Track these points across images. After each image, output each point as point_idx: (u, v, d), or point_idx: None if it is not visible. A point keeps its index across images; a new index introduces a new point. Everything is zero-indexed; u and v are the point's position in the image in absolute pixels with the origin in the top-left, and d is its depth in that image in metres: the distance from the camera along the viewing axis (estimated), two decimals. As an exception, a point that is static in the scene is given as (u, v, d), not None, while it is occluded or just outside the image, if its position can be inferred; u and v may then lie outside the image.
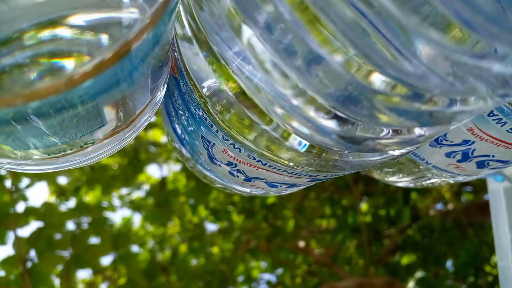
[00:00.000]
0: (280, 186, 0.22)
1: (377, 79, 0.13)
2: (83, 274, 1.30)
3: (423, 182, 0.29)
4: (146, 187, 1.55)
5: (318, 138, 0.15)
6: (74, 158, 0.16)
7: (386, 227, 1.52)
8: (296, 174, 0.19)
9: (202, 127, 0.19)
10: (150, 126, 1.25)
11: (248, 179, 0.21)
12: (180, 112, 0.20)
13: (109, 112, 0.13)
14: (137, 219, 1.59)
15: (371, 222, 1.52)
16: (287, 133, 0.16)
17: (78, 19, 0.13)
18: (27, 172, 0.17)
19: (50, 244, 0.98)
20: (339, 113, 0.14)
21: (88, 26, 0.14)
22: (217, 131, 0.18)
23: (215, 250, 1.58)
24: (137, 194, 1.54)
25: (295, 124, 0.15)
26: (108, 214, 1.37)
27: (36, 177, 1.01)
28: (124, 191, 1.50)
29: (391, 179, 0.30)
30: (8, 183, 0.95)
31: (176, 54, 0.17)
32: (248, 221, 1.55)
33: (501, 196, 0.39)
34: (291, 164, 0.18)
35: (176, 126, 0.22)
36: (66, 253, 0.99)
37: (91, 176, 1.31)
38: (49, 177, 1.15)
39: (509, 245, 0.38)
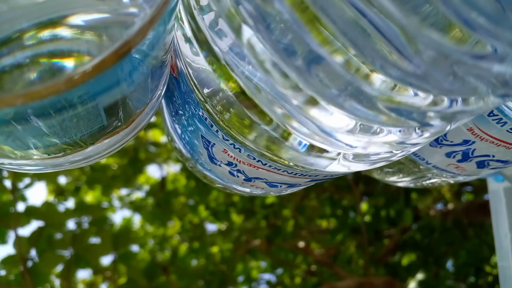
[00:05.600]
0: (280, 186, 0.22)
1: (377, 79, 0.13)
2: (84, 275, 1.30)
3: (423, 182, 0.29)
4: (146, 187, 1.55)
5: (318, 138, 0.15)
6: (74, 158, 0.16)
7: (386, 227, 1.52)
8: (296, 174, 0.19)
9: (202, 127, 0.19)
10: (150, 126, 1.25)
11: (248, 179, 0.21)
12: (180, 112, 0.20)
13: (109, 112, 0.13)
14: (137, 219, 1.60)
15: (371, 222, 1.52)
16: (287, 133, 0.16)
17: (78, 19, 0.13)
18: (27, 172, 0.17)
19: (50, 243, 0.98)
20: (339, 113, 0.14)
21: (88, 26, 0.14)
22: (217, 131, 0.18)
23: (215, 250, 1.58)
24: (137, 195, 1.54)
25: (295, 124, 0.15)
26: (108, 214, 1.38)
27: (36, 177, 1.01)
28: (124, 192, 1.50)
29: (391, 179, 0.30)
30: (8, 183, 0.95)
31: (176, 54, 0.17)
32: (248, 221, 1.55)
33: (501, 196, 0.39)
34: (291, 164, 0.18)
35: (176, 126, 0.22)
36: (67, 253, 1.00)
37: (91, 176, 1.31)
38: (49, 177, 1.15)
39: (509, 245, 0.38)
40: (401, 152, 0.17)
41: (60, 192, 1.31)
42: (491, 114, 0.19)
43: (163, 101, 0.23)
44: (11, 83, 0.13)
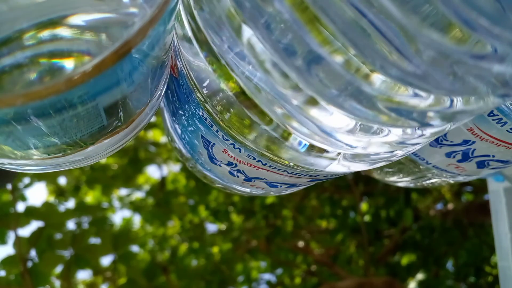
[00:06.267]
0: (280, 186, 0.22)
1: (377, 79, 0.13)
2: (84, 275, 1.30)
3: (423, 182, 0.29)
4: (146, 187, 1.55)
5: (318, 138, 0.15)
6: (74, 158, 0.16)
7: (386, 227, 1.52)
8: (296, 174, 0.19)
9: (202, 127, 0.19)
10: (150, 126, 1.25)
11: (248, 179, 0.21)
12: (180, 112, 0.20)
13: (109, 112, 0.13)
14: (137, 219, 1.60)
15: (371, 222, 1.52)
16: (287, 133, 0.16)
17: (78, 19, 0.13)
18: (27, 172, 0.17)
19: (50, 243, 0.98)
20: (339, 113, 0.14)
21: (88, 26, 0.14)
22: (217, 131, 0.18)
23: (215, 250, 1.58)
24: (137, 195, 1.54)
25: (295, 124, 0.15)
26: (108, 214, 1.38)
27: (36, 177, 1.01)
28: (124, 192, 1.51)
29: (391, 179, 0.30)
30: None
31: (176, 54, 0.17)
32: (248, 221, 1.55)
33: (501, 196, 0.39)
34: (291, 164, 0.18)
35: (176, 126, 0.22)
36: (67, 253, 1.00)
37: (91, 176, 1.31)
38: (49, 177, 1.15)
39: (509, 245, 0.38)
40: (401, 152, 0.17)
41: (60, 192, 1.31)
42: (491, 114, 0.19)
43: (163, 101, 0.23)
44: (11, 83, 0.13)
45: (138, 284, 1.16)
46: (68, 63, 0.14)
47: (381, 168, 0.29)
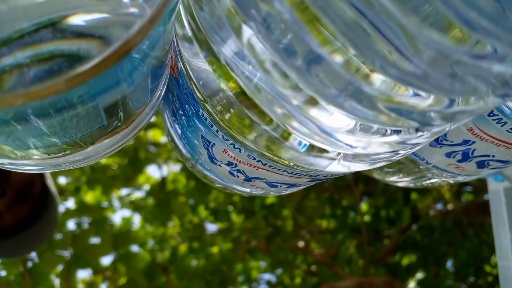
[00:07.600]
0: (280, 186, 0.22)
1: (377, 79, 0.13)
2: (83, 275, 1.30)
3: (423, 182, 0.29)
4: (146, 187, 1.55)
5: (318, 138, 0.15)
6: (74, 158, 0.16)
7: (386, 227, 1.52)
8: (296, 174, 0.19)
9: (202, 127, 0.19)
10: (150, 126, 1.25)
11: (248, 179, 0.21)
12: (180, 112, 0.20)
13: (109, 112, 0.13)
14: (137, 219, 1.60)
15: (371, 222, 1.52)
16: (287, 133, 0.16)
17: (78, 19, 0.13)
18: (27, 172, 0.17)
19: (50, 244, 0.98)
20: (339, 113, 0.14)
21: (88, 26, 0.14)
22: (217, 131, 0.18)
23: (215, 250, 1.58)
24: (137, 195, 1.54)
25: (295, 124, 0.15)
26: (108, 214, 1.38)
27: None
28: (124, 192, 1.51)
29: (391, 179, 0.30)
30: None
31: (176, 54, 0.17)
32: (248, 221, 1.55)
33: (501, 196, 0.39)
34: (291, 164, 0.18)
35: (176, 126, 0.22)
36: (67, 253, 1.00)
37: (91, 176, 1.31)
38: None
39: (509, 245, 0.38)
40: (401, 152, 0.17)
41: (60, 192, 1.31)
42: (491, 114, 0.19)
43: (163, 101, 0.23)
44: (11, 83, 0.13)
45: (138, 284, 1.16)
46: (68, 63, 0.14)
47: (381, 168, 0.29)
